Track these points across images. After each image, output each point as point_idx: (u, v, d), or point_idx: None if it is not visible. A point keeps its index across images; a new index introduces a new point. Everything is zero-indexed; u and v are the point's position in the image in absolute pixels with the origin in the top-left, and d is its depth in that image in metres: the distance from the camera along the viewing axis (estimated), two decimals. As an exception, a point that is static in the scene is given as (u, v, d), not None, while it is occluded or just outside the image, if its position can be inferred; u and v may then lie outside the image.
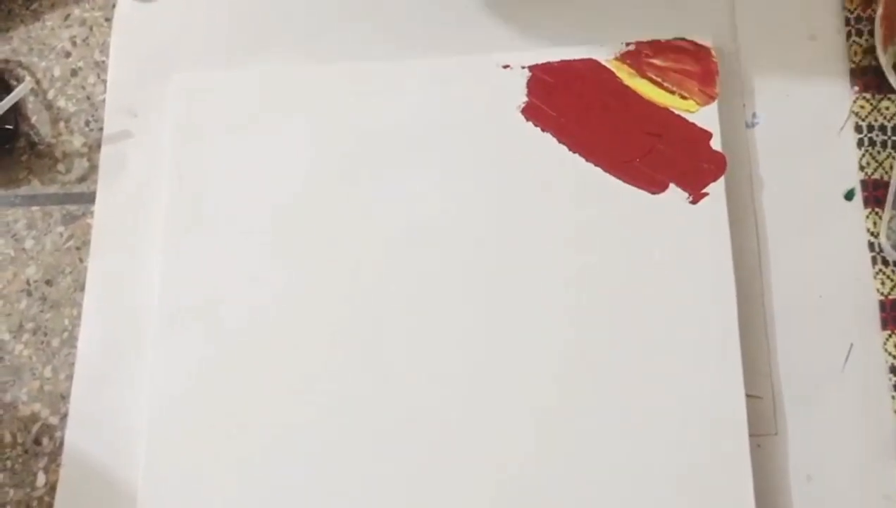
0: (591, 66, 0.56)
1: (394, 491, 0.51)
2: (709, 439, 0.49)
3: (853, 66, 0.55)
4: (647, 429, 0.50)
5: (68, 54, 0.64)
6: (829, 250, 0.53)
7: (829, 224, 0.53)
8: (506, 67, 0.57)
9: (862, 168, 0.54)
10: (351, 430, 0.52)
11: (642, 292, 0.52)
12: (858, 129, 0.54)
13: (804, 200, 0.54)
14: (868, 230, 0.53)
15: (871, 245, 0.52)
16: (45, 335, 0.58)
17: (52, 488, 0.54)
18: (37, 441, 0.56)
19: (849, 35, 0.56)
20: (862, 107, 0.54)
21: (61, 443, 0.55)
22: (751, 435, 0.49)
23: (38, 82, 0.63)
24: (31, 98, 0.63)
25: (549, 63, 0.57)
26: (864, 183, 0.53)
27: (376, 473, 0.51)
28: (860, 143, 0.54)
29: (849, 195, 0.54)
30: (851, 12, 0.56)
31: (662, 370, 0.50)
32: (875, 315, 0.51)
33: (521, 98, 0.56)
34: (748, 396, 0.50)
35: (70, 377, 0.56)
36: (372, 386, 0.52)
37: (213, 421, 0.53)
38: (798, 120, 0.55)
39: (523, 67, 0.57)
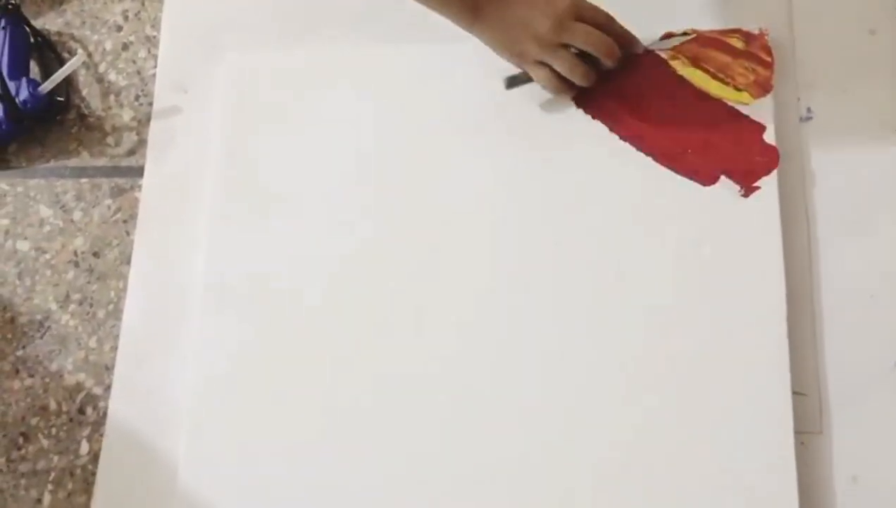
0: (645, 54, 0.56)
1: (429, 472, 0.51)
2: (753, 435, 0.48)
3: (913, 62, 0.54)
4: (691, 423, 0.49)
5: (120, 28, 0.64)
6: (882, 249, 0.52)
7: (882, 223, 0.52)
8: (558, 53, 0.57)
9: (919, 167, 0.53)
10: (392, 416, 0.52)
11: (690, 284, 0.51)
12: (917, 126, 0.53)
13: (857, 197, 0.53)
14: (923, 230, 0.52)
15: (925, 245, 0.51)
16: (91, 306, 0.58)
17: (95, 456, 0.55)
18: (81, 411, 0.56)
19: (910, 30, 0.55)
20: (921, 104, 0.53)
21: (105, 413, 0.55)
22: (795, 433, 0.48)
23: (89, 55, 0.64)
24: (83, 71, 0.64)
25: (601, 50, 0.56)
26: (920, 182, 0.53)
27: (412, 453, 0.51)
28: (918, 141, 0.53)
29: (904, 194, 0.53)
30: (914, 7, 0.55)
31: (709, 363, 0.50)
32: (928, 316, 0.50)
33: (573, 85, 0.56)
34: (794, 393, 0.49)
35: (115, 349, 0.57)
36: (415, 369, 0.52)
37: (254, 396, 0.53)
38: (854, 116, 0.54)
39: (576, 54, 0.56)
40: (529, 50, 0.53)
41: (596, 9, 0.53)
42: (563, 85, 0.54)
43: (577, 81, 0.53)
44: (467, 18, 0.53)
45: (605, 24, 0.53)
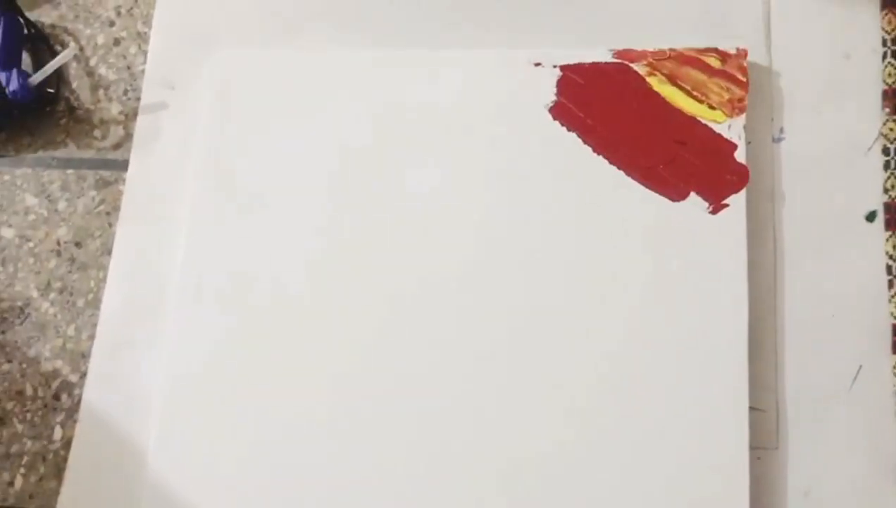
0: (622, 70, 0.57)
1: (404, 476, 0.52)
2: (709, 448, 0.49)
3: (886, 87, 0.55)
4: (649, 433, 0.50)
5: (112, 23, 0.66)
6: (846, 269, 0.53)
7: (848, 244, 0.53)
8: (537, 64, 0.58)
9: (886, 191, 0.54)
10: (365, 415, 0.53)
11: (655, 297, 0.52)
12: (886, 151, 0.54)
13: (825, 218, 0.54)
14: (887, 253, 0.52)
15: (888, 268, 0.52)
16: (71, 294, 0.59)
17: (67, 442, 0.56)
18: (56, 397, 0.57)
19: (884, 56, 0.56)
20: (891, 129, 0.54)
21: (79, 400, 0.56)
22: (751, 448, 0.49)
23: (81, 49, 0.65)
24: (74, 64, 0.65)
25: (580, 64, 0.57)
26: (887, 206, 0.53)
27: (387, 458, 0.52)
28: (887, 165, 0.54)
29: (870, 217, 0.54)
30: (889, 33, 0.56)
31: (669, 376, 0.51)
32: (887, 338, 0.51)
33: (551, 97, 0.57)
34: (752, 408, 0.50)
35: (92, 338, 0.58)
36: (391, 372, 0.53)
37: (226, 393, 0.54)
38: (826, 138, 0.55)
39: (555, 66, 0.57)
40: None
41: None
42: None
43: None
44: None
45: None
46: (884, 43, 0.56)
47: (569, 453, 0.50)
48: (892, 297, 0.52)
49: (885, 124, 0.55)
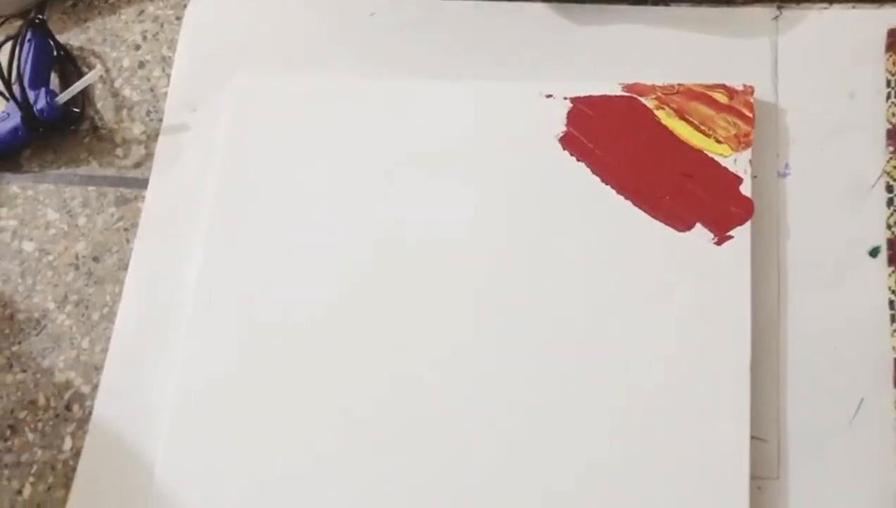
0: (631, 103, 0.58)
1: (410, 490, 0.52)
2: (710, 476, 0.50)
3: (890, 126, 0.56)
4: (650, 460, 0.51)
5: (138, 47, 0.68)
6: (849, 304, 0.53)
7: (851, 279, 0.54)
8: (549, 96, 0.59)
9: (889, 227, 0.54)
10: (374, 432, 0.54)
11: (659, 325, 0.53)
12: (889, 188, 0.55)
13: (829, 253, 0.55)
14: (889, 288, 0.53)
15: (891, 303, 0.53)
16: (87, 307, 0.61)
17: (76, 453, 0.57)
18: (68, 407, 0.58)
19: (888, 96, 0.57)
20: (895, 167, 0.55)
21: (90, 412, 0.57)
22: (752, 477, 0.49)
23: (107, 71, 0.67)
24: (100, 85, 0.67)
25: (590, 96, 0.59)
26: (890, 242, 0.54)
27: (394, 471, 0.53)
28: (890, 202, 0.55)
29: (874, 252, 0.54)
30: (893, 74, 0.57)
31: (671, 404, 0.51)
32: (888, 372, 0.52)
33: (561, 127, 0.58)
34: (753, 437, 0.50)
35: (105, 351, 0.59)
36: (398, 387, 0.54)
37: (235, 409, 0.55)
38: (830, 174, 0.56)
39: (565, 98, 0.59)
40: None
41: None
42: None
43: None
44: None
45: None
46: (888, 83, 0.57)
47: (569, 482, 0.51)
48: (894, 331, 0.52)
49: (888, 162, 0.56)
